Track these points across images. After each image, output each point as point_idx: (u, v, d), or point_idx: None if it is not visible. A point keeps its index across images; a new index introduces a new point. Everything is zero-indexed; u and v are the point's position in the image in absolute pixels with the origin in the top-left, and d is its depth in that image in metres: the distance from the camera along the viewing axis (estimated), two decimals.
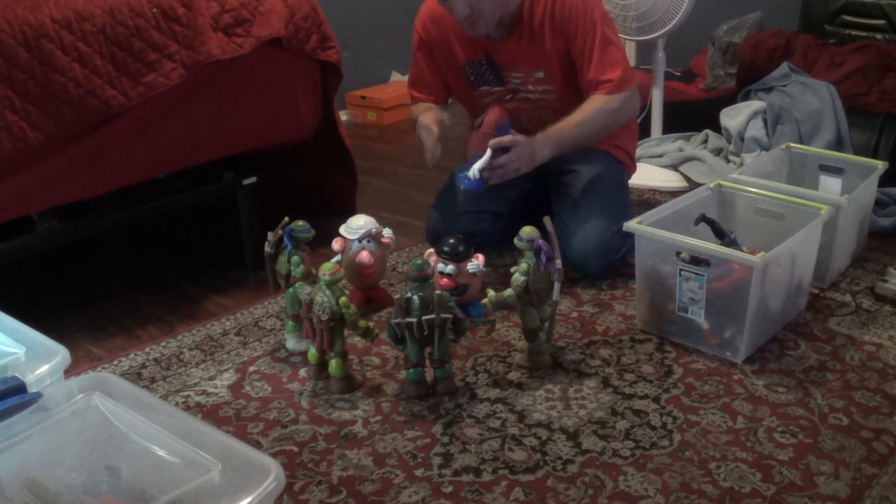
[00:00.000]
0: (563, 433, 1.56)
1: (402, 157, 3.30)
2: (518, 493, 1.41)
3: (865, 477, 1.42)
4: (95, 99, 1.86)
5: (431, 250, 1.95)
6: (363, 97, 3.81)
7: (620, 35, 2.73)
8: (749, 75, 2.95)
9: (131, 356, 1.90)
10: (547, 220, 1.71)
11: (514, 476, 1.45)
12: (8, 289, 2.14)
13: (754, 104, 2.76)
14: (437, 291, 1.62)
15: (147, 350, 1.92)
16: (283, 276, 1.83)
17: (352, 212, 2.23)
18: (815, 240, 1.92)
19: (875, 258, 2.23)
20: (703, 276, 1.75)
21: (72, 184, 1.93)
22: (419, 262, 1.65)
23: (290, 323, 1.86)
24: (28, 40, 1.77)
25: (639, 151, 2.78)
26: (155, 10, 1.93)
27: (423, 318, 1.60)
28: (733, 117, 2.80)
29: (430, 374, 1.70)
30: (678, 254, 1.80)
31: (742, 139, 2.75)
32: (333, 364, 1.71)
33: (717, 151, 2.86)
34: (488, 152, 1.96)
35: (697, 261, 1.76)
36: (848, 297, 2.03)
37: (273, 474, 1.06)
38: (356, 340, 1.85)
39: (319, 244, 2.03)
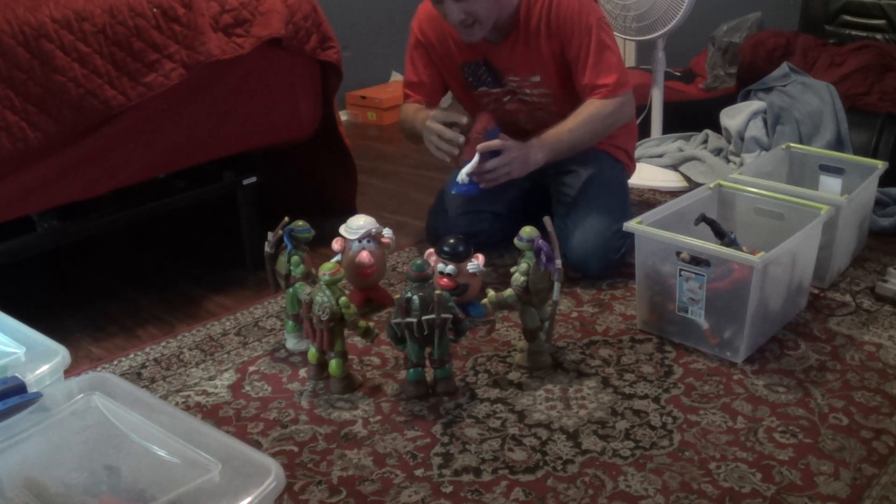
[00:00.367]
0: (563, 433, 1.56)
1: (403, 157, 3.30)
2: (518, 493, 1.41)
3: (865, 477, 1.42)
4: (95, 99, 1.85)
5: (431, 250, 1.95)
6: (363, 97, 3.81)
7: (620, 35, 2.74)
8: (749, 75, 2.94)
9: (131, 356, 1.90)
10: (547, 219, 1.71)
11: (514, 476, 1.45)
12: (8, 289, 2.15)
13: (754, 104, 2.76)
14: (437, 291, 1.62)
15: (147, 350, 1.92)
16: (283, 276, 1.83)
17: (352, 212, 2.23)
18: (815, 240, 1.92)
19: (875, 258, 2.23)
20: (703, 276, 1.75)
21: (72, 184, 1.93)
22: (419, 262, 1.65)
23: (290, 323, 1.86)
24: (28, 40, 1.77)
25: (639, 151, 2.78)
26: (155, 10, 1.93)
27: (423, 318, 1.60)
28: (733, 117, 2.80)
29: (430, 374, 1.70)
30: (678, 254, 1.79)
31: (742, 139, 2.75)
32: (333, 364, 1.70)
33: (717, 151, 2.86)
34: (476, 156, 1.97)
35: (697, 261, 1.76)
36: (848, 297, 2.03)
37: (273, 474, 1.06)
38: (356, 340, 1.85)
39: (319, 244, 2.03)
